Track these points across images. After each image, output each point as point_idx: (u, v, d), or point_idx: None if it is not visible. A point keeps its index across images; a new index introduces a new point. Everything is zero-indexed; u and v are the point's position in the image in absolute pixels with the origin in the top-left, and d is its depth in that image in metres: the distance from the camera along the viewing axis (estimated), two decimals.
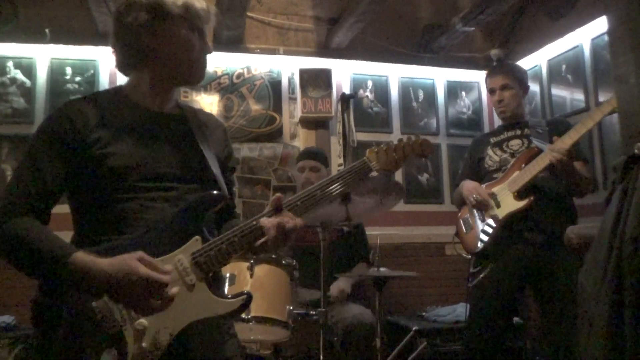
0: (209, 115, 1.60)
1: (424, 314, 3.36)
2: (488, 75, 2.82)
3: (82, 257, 1.15)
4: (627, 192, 1.35)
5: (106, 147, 1.29)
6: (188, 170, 1.37)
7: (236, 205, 1.67)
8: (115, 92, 1.44)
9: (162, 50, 1.37)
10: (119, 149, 1.30)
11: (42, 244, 1.17)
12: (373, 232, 3.28)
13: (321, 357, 2.12)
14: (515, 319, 2.86)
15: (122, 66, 1.43)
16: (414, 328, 2.98)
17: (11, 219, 1.20)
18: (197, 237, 1.27)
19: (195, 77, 1.45)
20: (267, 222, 1.28)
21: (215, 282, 1.33)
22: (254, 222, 1.29)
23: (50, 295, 1.19)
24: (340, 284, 2.77)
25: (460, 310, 3.07)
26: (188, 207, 1.30)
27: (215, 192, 1.34)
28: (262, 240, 1.28)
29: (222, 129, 1.56)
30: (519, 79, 2.74)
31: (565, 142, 2.33)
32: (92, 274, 1.13)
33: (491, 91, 2.75)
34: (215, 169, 1.41)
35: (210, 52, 1.45)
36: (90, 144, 1.28)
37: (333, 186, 1.40)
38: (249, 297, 1.23)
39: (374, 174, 1.51)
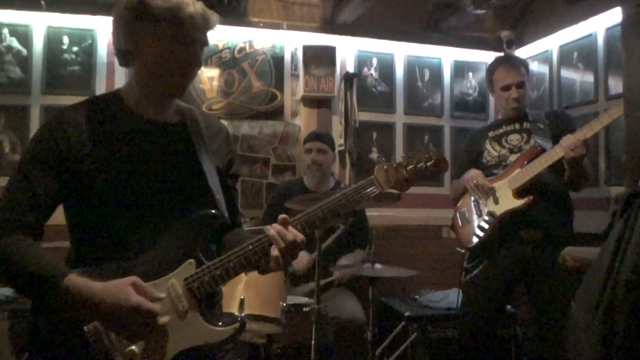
0: (211, 118, 1.51)
1: (417, 297, 3.40)
2: (502, 68, 2.66)
3: (76, 279, 1.14)
4: (627, 229, 1.34)
5: (98, 163, 1.25)
6: (185, 187, 1.33)
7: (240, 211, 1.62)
8: (112, 97, 1.37)
9: (138, 56, 1.28)
10: (112, 165, 1.26)
11: (35, 264, 1.15)
12: (371, 214, 3.28)
13: (313, 346, 2.18)
14: (507, 307, 2.91)
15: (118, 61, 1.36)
16: (405, 314, 3.03)
17: (2, 237, 1.17)
18: (191, 260, 1.25)
19: (172, 91, 1.34)
20: (272, 231, 1.24)
21: (208, 299, 1.32)
22: (249, 247, 1.27)
23: (42, 317, 1.20)
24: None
25: (453, 297, 3.10)
26: (182, 227, 1.27)
27: (211, 211, 1.31)
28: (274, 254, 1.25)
29: (224, 133, 1.50)
30: (529, 74, 2.69)
31: (578, 137, 2.29)
32: (85, 297, 1.13)
33: (506, 88, 2.62)
34: (214, 185, 1.36)
35: (200, 66, 1.33)
36: (82, 159, 1.25)
37: (337, 207, 1.34)
38: (242, 325, 1.23)
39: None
